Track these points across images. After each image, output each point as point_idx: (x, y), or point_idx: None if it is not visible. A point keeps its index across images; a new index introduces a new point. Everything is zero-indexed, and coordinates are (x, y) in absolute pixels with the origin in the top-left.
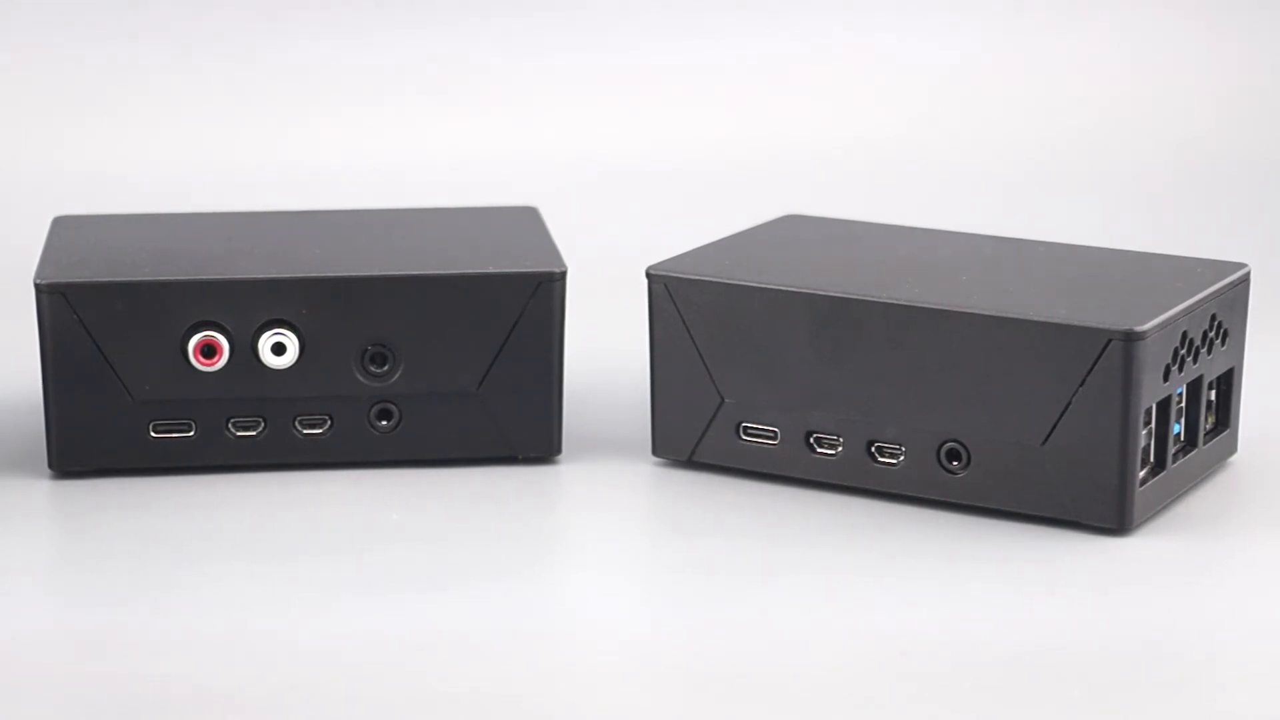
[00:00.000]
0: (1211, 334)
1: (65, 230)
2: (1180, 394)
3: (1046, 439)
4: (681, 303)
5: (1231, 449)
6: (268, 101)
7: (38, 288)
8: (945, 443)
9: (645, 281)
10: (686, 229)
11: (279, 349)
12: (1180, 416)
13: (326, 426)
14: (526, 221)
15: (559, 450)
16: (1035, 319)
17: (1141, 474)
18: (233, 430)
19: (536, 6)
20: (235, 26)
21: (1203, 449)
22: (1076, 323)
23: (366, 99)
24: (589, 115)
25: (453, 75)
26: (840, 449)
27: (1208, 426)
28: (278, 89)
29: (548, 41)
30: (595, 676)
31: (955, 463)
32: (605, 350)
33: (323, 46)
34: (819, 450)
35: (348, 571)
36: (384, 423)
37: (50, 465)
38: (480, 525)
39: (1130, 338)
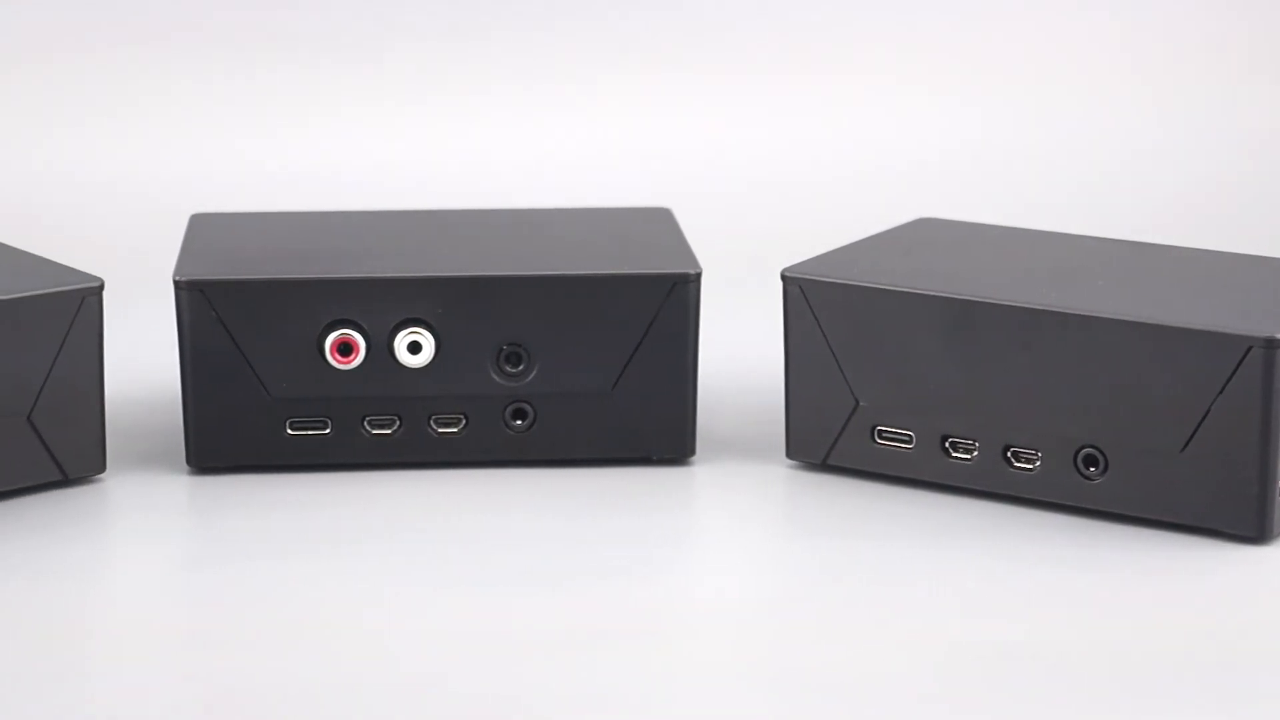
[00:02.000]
0: None
1: (203, 228)
2: None
3: (1185, 446)
4: (816, 305)
5: None
6: (395, 101)
7: (177, 285)
8: (1082, 448)
9: (779, 284)
10: (818, 232)
11: (415, 348)
12: None
13: (461, 425)
14: (660, 222)
15: (693, 452)
16: (1174, 325)
17: None
18: (368, 428)
19: (668, 6)
20: (353, 29)
21: None
22: (1216, 329)
23: (496, 98)
24: (722, 116)
25: (583, 75)
26: (975, 453)
27: None
28: (401, 88)
29: (679, 42)
30: (722, 677)
31: (1092, 469)
32: (738, 352)
33: (446, 45)
34: (954, 454)
35: (480, 570)
36: (519, 422)
37: (188, 462)
38: (613, 526)
39: (1271, 345)
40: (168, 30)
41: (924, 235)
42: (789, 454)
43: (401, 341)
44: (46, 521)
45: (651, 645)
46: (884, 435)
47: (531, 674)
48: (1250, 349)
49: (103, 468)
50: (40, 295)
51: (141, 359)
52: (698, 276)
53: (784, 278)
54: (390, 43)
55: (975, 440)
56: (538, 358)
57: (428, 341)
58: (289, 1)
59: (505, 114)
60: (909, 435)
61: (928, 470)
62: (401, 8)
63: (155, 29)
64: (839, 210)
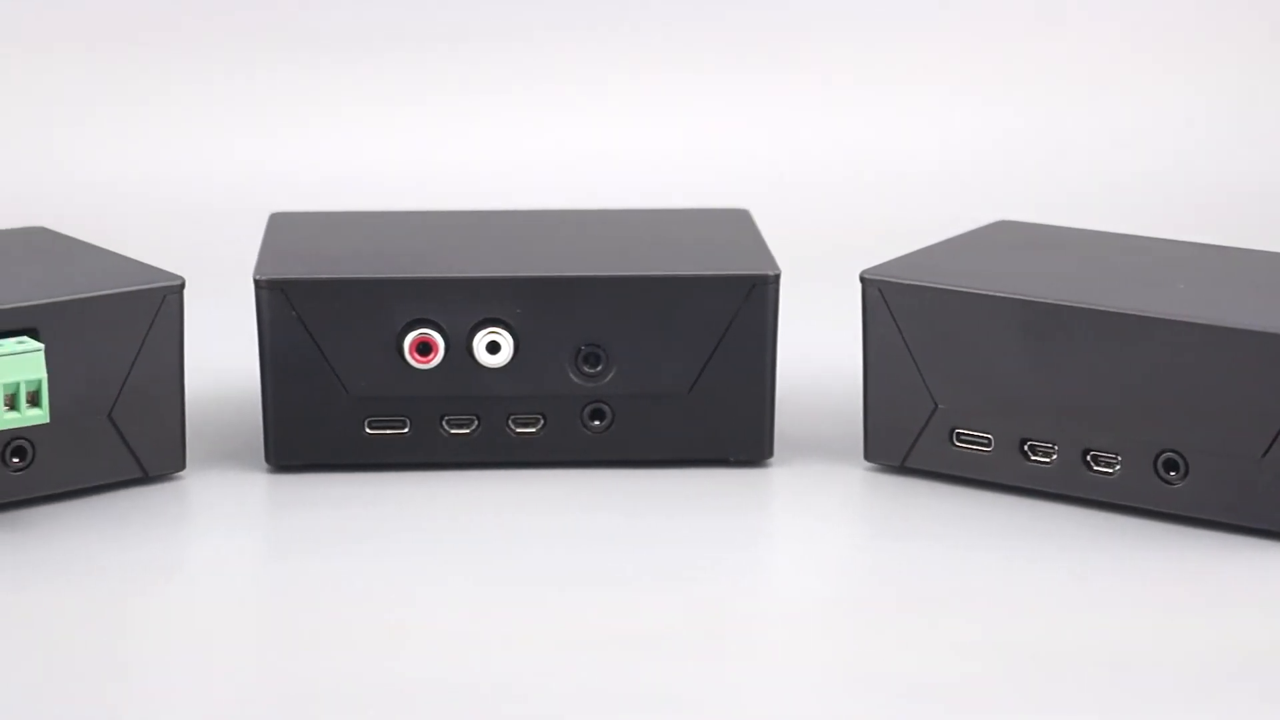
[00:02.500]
0: None
1: (282, 226)
2: None
3: (1266, 451)
4: (896, 308)
5: None
6: (472, 100)
7: (257, 284)
8: (1162, 453)
9: (858, 286)
10: (895, 233)
11: (494, 348)
12: None
13: (539, 426)
14: (738, 223)
15: (770, 454)
16: (1256, 329)
17: None
18: (447, 428)
19: (745, 6)
20: (427, 29)
21: None
22: None
23: (571, 98)
24: (800, 117)
25: (660, 76)
26: (1055, 457)
27: None
28: (478, 88)
29: (755, 42)
30: (800, 680)
31: (1172, 473)
32: (816, 354)
33: (517, 44)
34: (1033, 458)
35: (558, 570)
36: (596, 423)
37: (267, 460)
38: (690, 527)
39: None
40: (248, 30)
41: (1003, 238)
42: (867, 456)
43: (480, 341)
44: (126, 519)
45: (729, 647)
46: (962, 438)
47: (608, 675)
48: None
49: (182, 465)
50: (122, 293)
51: (221, 357)
52: (776, 278)
53: (863, 280)
54: (465, 42)
55: (1054, 443)
56: (616, 358)
57: (506, 341)
58: (365, 1)
59: (582, 114)
60: (988, 438)
61: (1006, 473)
62: (477, 7)
63: (236, 29)
64: (916, 212)
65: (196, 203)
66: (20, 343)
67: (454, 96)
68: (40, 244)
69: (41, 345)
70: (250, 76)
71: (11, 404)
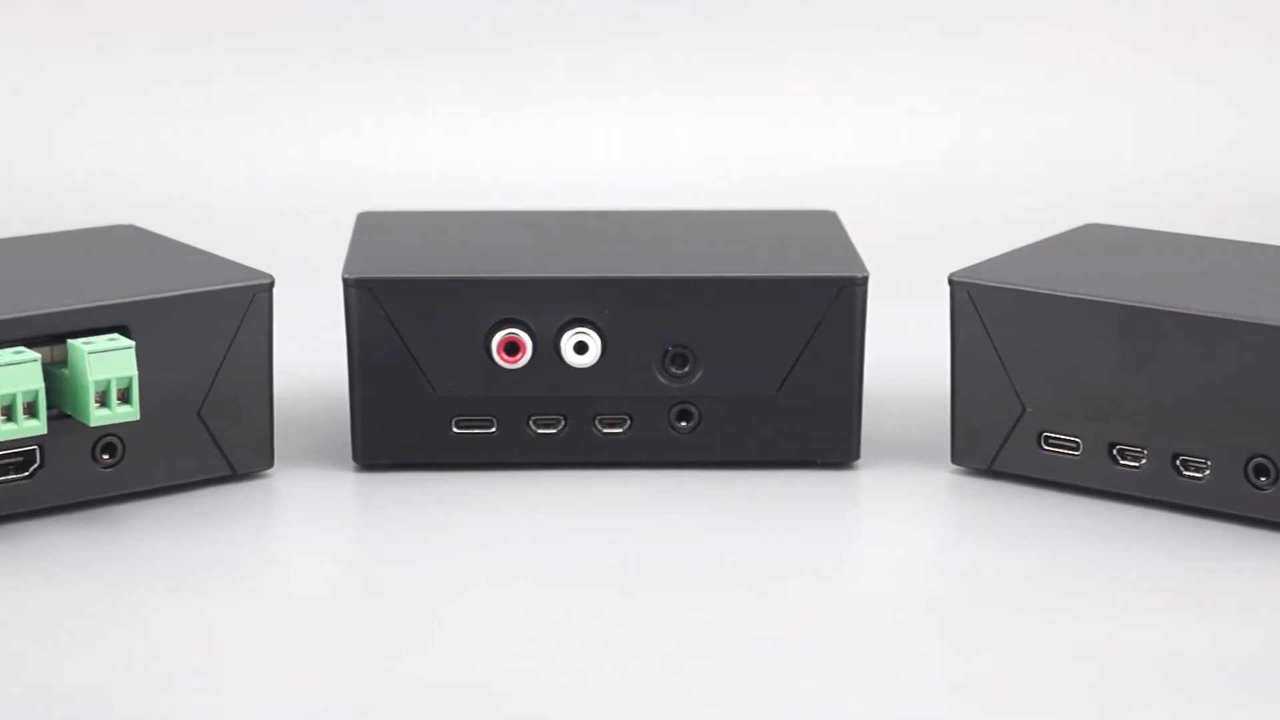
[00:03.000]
0: None
1: (370, 226)
2: None
3: None
4: (984, 310)
5: None
6: (557, 100)
7: (346, 282)
8: (1253, 458)
9: (945, 288)
10: (981, 236)
11: (581, 348)
12: None
13: (626, 426)
14: (826, 225)
15: (857, 456)
16: None
17: None
18: (534, 428)
19: (832, 7)
20: (510, 29)
21: None
22: None
23: (661, 98)
24: (885, 119)
25: (747, 77)
26: (1144, 461)
27: None
28: (566, 88)
29: (841, 44)
30: (886, 682)
31: (1263, 478)
32: (903, 356)
33: (603, 44)
34: (1121, 462)
35: (643, 571)
36: (683, 424)
37: (354, 458)
38: (776, 529)
39: None
40: (338, 29)
41: (1092, 240)
42: (954, 459)
43: (568, 341)
44: (214, 516)
45: (814, 650)
46: (1050, 441)
47: (694, 676)
48: None
49: (271, 463)
50: (212, 291)
51: (310, 356)
52: (865, 280)
53: (951, 282)
54: (544, 43)
55: (1144, 448)
56: (703, 359)
57: (594, 342)
58: (451, 2)
59: (669, 115)
60: (1076, 442)
61: (1094, 477)
62: (561, 7)
63: (326, 28)
64: (1002, 214)
65: (284, 201)
66: (112, 340)
67: (537, 97)
68: (130, 242)
69: (132, 343)
70: (340, 76)
71: (102, 401)
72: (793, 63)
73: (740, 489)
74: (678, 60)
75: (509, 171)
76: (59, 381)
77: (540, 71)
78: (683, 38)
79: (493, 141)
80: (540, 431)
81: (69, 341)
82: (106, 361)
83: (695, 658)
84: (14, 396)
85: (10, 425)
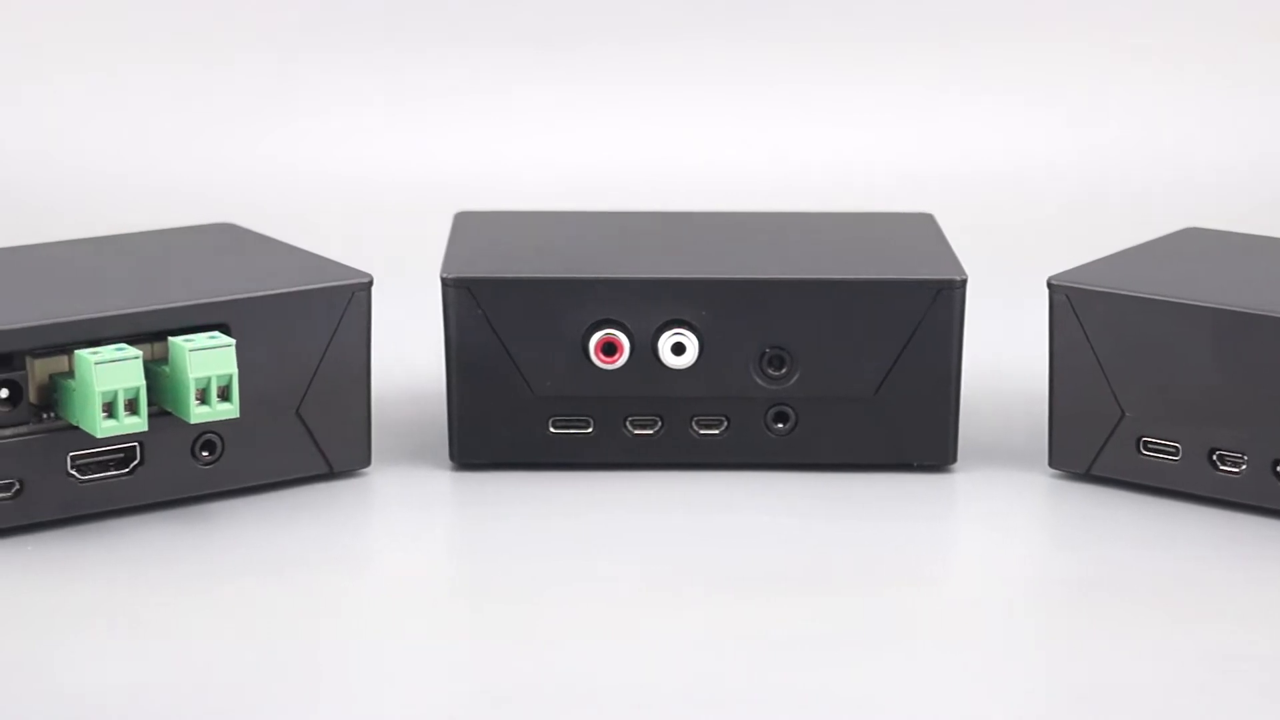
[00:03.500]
0: None
1: (468, 226)
2: None
3: None
4: (1083, 314)
5: None
6: (647, 99)
7: (444, 282)
8: None
9: (1043, 291)
10: (1081, 240)
11: (679, 349)
12: None
13: (723, 427)
14: (924, 228)
15: (954, 459)
16: None
17: None
18: (630, 428)
19: (927, 8)
20: (601, 26)
21: None
22: None
23: (760, 100)
24: (984, 121)
25: (844, 79)
26: (1244, 466)
27: None
28: (652, 88)
29: (937, 45)
30: (983, 686)
31: None
32: (1001, 359)
33: (706, 44)
34: (1221, 468)
35: (739, 572)
36: (780, 425)
37: (451, 457)
38: (872, 532)
39: None
40: (431, 29)
41: (1192, 245)
42: (1052, 463)
43: (665, 342)
44: (312, 514)
45: (910, 652)
46: (1149, 446)
47: (787, 677)
48: None
49: (368, 462)
50: (311, 290)
51: (407, 355)
52: (963, 283)
53: (1050, 286)
54: (638, 43)
55: (1244, 453)
56: (801, 361)
57: (691, 343)
58: (549, 3)
59: (764, 117)
60: (1175, 447)
61: (1194, 483)
62: (674, 7)
63: (421, 28)
64: (1101, 218)
65: (381, 200)
66: (212, 338)
67: (630, 98)
68: (229, 240)
69: (233, 341)
70: (436, 75)
71: (202, 398)
72: (889, 65)
73: (836, 491)
74: (771, 63)
75: (602, 172)
76: (160, 379)
77: (633, 73)
78: (777, 41)
79: (586, 141)
80: (637, 432)
81: (170, 339)
82: (207, 359)
83: (789, 660)
84: (116, 393)
85: (112, 422)
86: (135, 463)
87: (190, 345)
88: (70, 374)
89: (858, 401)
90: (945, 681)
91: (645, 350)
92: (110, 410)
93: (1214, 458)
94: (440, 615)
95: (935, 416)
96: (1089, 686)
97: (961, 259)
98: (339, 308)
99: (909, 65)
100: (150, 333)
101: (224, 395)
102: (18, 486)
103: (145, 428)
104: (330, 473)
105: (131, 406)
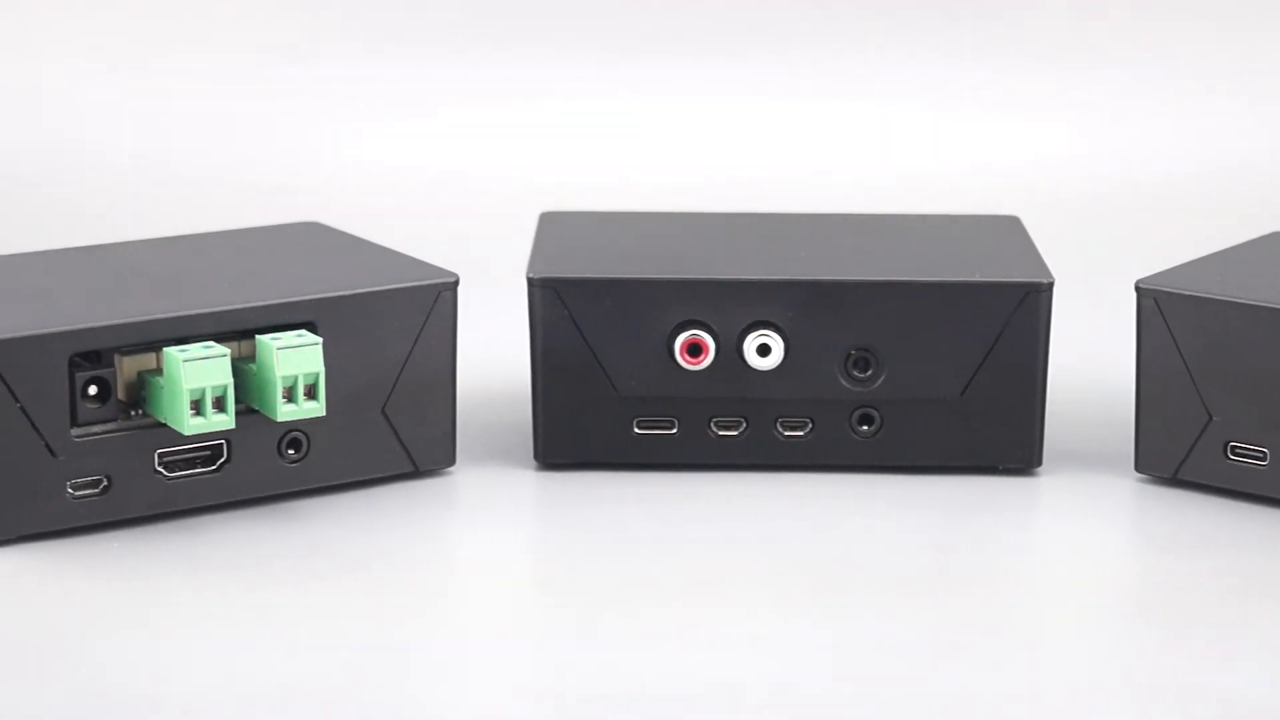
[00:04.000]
0: None
1: (553, 226)
2: None
3: None
4: (1171, 318)
5: None
6: (733, 99)
7: (530, 282)
8: None
9: (1130, 295)
10: (1168, 244)
11: (764, 350)
12: None
13: (807, 429)
14: (1010, 231)
15: (1039, 462)
16: None
17: None
18: (715, 429)
19: (1015, 8)
20: (691, 29)
21: None
22: None
23: (840, 102)
24: (1070, 124)
25: (929, 81)
26: None
27: None
28: (736, 88)
29: (1031, 48)
30: (1069, 691)
31: None
32: (1087, 363)
33: (787, 50)
34: None
35: (823, 574)
36: (865, 428)
37: (536, 457)
38: (957, 534)
39: None
40: (519, 29)
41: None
42: (1138, 467)
43: (751, 344)
44: (397, 513)
45: (994, 656)
46: (1237, 451)
47: (876, 680)
48: None
49: (453, 461)
50: (398, 289)
51: (492, 355)
52: (1050, 286)
53: (1138, 289)
54: (732, 45)
55: None
56: (886, 363)
57: (777, 344)
58: (634, 6)
59: (852, 119)
60: (1263, 452)
61: None
62: (757, 8)
63: (508, 28)
64: (1189, 221)
65: (466, 199)
66: (299, 336)
67: (713, 99)
68: (315, 239)
69: (320, 339)
70: (523, 74)
71: (289, 396)
72: (975, 69)
73: (921, 494)
74: (855, 66)
75: (686, 172)
76: (247, 377)
77: (717, 75)
78: (860, 44)
79: (670, 142)
80: (721, 433)
81: (257, 337)
82: (294, 357)
83: (880, 662)
84: (203, 391)
85: (199, 419)
86: (222, 460)
87: (277, 343)
88: (159, 371)
89: (943, 404)
90: (1033, 686)
91: (730, 351)
92: (198, 408)
93: None
94: (523, 615)
95: (1021, 419)
96: (1177, 692)
97: (1048, 262)
98: (425, 307)
99: (995, 69)
100: (238, 331)
101: (310, 394)
102: (106, 483)
103: (232, 425)
104: (415, 472)
105: (219, 404)
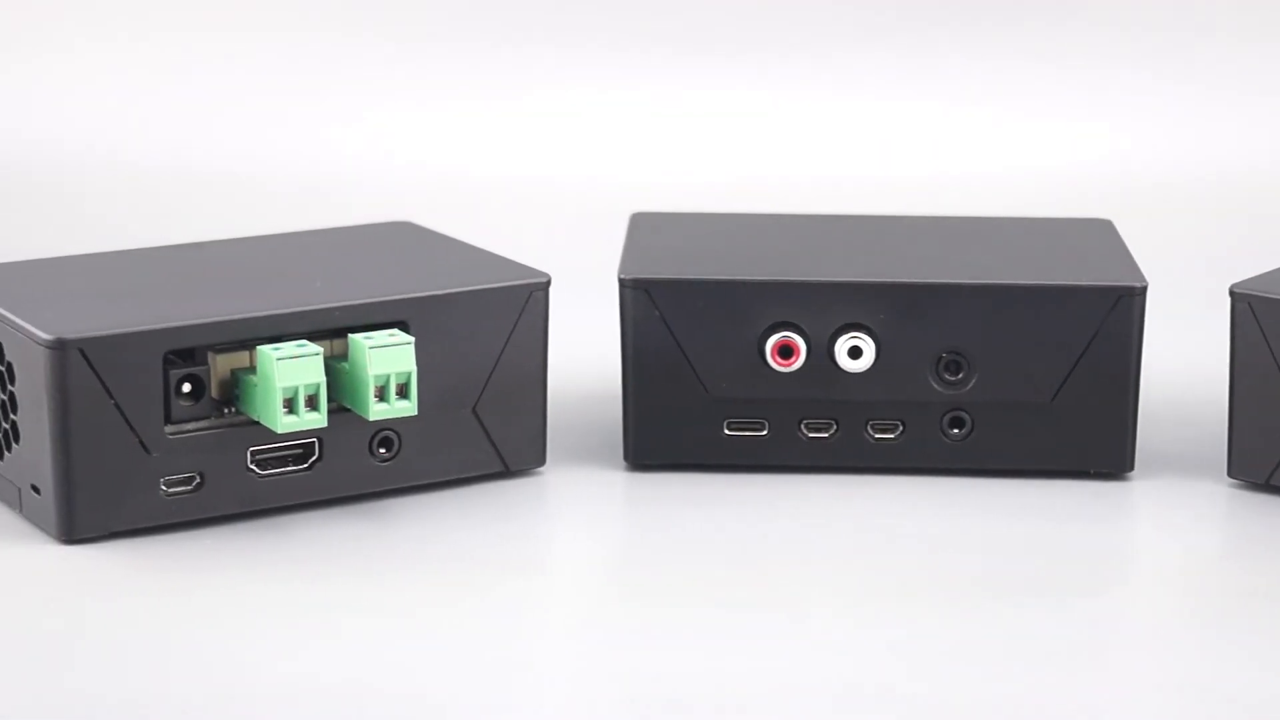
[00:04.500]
0: None
1: (644, 226)
2: None
3: None
4: (1265, 322)
5: None
6: (824, 101)
7: (622, 283)
8: None
9: (1223, 299)
10: (1263, 248)
11: (855, 353)
12: None
13: (898, 432)
14: (1102, 234)
15: (1131, 467)
16: None
17: None
18: (805, 431)
19: (1111, 9)
20: (781, 32)
21: None
22: None
23: (935, 105)
24: (1165, 129)
25: (1024, 85)
26: None
27: None
28: (831, 90)
29: (1119, 48)
30: (1161, 698)
31: None
32: (1179, 367)
33: (873, 50)
34: None
35: (917, 577)
36: (956, 431)
37: (625, 458)
38: (1048, 539)
39: None
40: (610, 31)
41: None
42: (1230, 472)
43: (842, 346)
44: (487, 512)
45: (1094, 662)
46: None
47: (970, 685)
48: None
49: (543, 461)
50: (490, 289)
51: (583, 355)
52: (1143, 290)
53: (1233, 294)
54: (823, 48)
55: None
56: (978, 366)
57: (868, 347)
58: (727, 6)
59: (944, 121)
60: None
61: None
62: (851, 11)
63: (600, 31)
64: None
65: (557, 200)
66: (392, 335)
67: (804, 101)
68: (407, 239)
69: (412, 338)
70: (613, 76)
71: (381, 396)
72: (1070, 72)
73: (1012, 497)
74: (951, 69)
75: (775, 174)
76: (339, 375)
77: (808, 77)
78: (953, 48)
79: (760, 143)
80: (811, 435)
81: (350, 336)
82: (387, 356)
83: (973, 667)
84: (296, 389)
85: (292, 418)
86: (313, 459)
87: (370, 342)
88: (252, 369)
89: (1035, 407)
90: (1122, 691)
91: (821, 353)
92: (291, 406)
93: None
94: (612, 616)
95: (1113, 423)
96: (1267, 700)
97: (1141, 266)
98: (517, 307)
99: (1091, 73)
100: (331, 329)
101: (402, 393)
102: (198, 480)
103: (325, 424)
104: (505, 471)
105: (312, 403)
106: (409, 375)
